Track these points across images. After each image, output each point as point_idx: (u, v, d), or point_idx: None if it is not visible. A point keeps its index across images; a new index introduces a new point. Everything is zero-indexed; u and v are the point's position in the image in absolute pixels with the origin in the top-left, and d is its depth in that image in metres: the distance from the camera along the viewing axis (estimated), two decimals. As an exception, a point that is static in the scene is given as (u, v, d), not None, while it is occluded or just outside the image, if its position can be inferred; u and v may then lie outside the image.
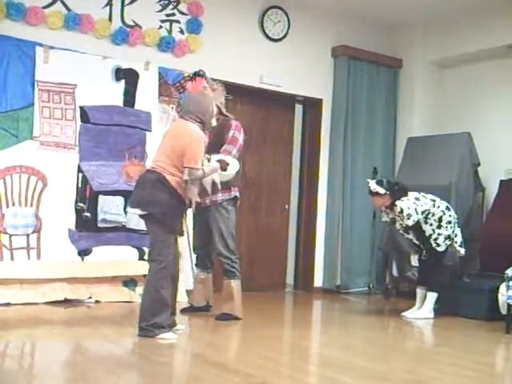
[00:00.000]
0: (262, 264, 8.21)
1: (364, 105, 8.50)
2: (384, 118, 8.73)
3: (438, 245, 6.51)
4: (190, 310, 6.11)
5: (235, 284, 5.85)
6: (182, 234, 5.61)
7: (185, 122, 5.07)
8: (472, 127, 7.92)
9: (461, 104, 8.43)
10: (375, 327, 6.21)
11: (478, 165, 7.77)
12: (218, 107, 5.68)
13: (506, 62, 7.93)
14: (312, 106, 8.50)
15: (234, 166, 5.52)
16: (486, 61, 8.14)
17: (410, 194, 6.50)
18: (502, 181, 7.45)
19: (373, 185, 6.47)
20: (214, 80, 5.54)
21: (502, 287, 6.07)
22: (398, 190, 6.45)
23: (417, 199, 6.48)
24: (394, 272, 7.75)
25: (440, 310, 6.77)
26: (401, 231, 6.64)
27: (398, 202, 6.40)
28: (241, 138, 5.94)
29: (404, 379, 4.23)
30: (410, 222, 6.40)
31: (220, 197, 5.81)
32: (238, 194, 5.94)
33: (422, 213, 6.43)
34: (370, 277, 8.39)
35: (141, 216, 5.03)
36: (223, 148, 5.81)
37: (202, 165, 4.99)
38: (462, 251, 6.65)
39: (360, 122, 8.44)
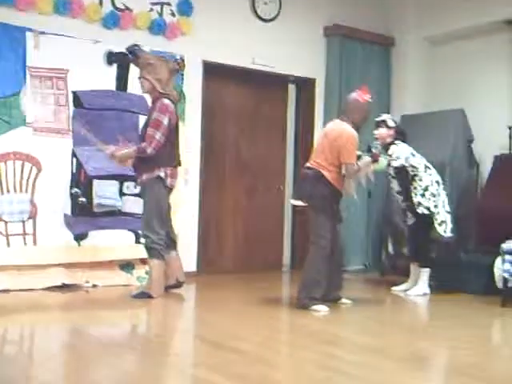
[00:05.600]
0: (259, 245, 8.23)
1: (357, 84, 8.34)
2: (377, 96, 8.67)
3: (419, 206, 6.54)
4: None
5: (154, 263, 5.86)
6: (341, 221, 5.91)
7: (341, 122, 5.74)
8: (465, 103, 7.91)
9: (454, 81, 8.42)
10: (372, 304, 6.24)
11: (472, 141, 7.79)
12: (151, 82, 5.89)
13: (500, 37, 7.90)
14: (305, 85, 8.49)
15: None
16: (480, 37, 8.11)
17: (408, 147, 6.62)
18: (495, 156, 7.45)
19: (385, 115, 6.77)
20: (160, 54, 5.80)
21: (498, 261, 6.11)
22: (400, 132, 6.68)
23: (412, 154, 6.56)
24: (390, 249, 7.79)
25: (437, 286, 6.82)
26: (389, 177, 6.75)
27: (392, 146, 6.54)
28: (166, 119, 5.82)
29: (401, 353, 4.26)
30: (395, 163, 6.49)
31: (144, 176, 5.85)
32: (162, 173, 5.83)
33: (411, 166, 6.50)
34: (366, 255, 8.43)
35: (303, 206, 5.72)
36: (147, 133, 5.79)
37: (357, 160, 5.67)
38: (441, 230, 6.54)
39: (353, 101, 8.43)
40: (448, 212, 6.65)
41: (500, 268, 6.04)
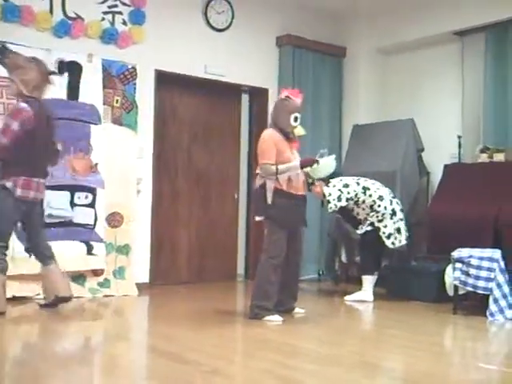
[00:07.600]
0: (213, 255, 8.21)
1: (310, 94, 8.54)
2: (330, 106, 8.80)
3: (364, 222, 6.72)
4: (45, 306, 5.79)
5: None
6: (305, 224, 5.88)
7: (265, 130, 5.80)
8: (416, 113, 8.05)
9: (405, 91, 8.56)
10: (326, 313, 6.26)
11: (422, 150, 7.91)
12: (17, 85, 5.50)
13: (450, 48, 8.07)
14: (258, 95, 8.51)
15: (327, 162, 5.75)
16: (430, 47, 8.27)
17: (338, 179, 6.63)
18: (445, 165, 7.57)
19: None
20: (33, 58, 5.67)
21: (449, 269, 6.18)
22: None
23: (345, 186, 6.59)
24: (343, 258, 7.85)
25: (390, 294, 6.90)
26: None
27: (324, 188, 6.51)
28: (15, 124, 5.37)
29: (355, 361, 4.28)
30: (329, 210, 6.59)
31: None
32: (8, 183, 5.38)
33: (348, 200, 6.56)
34: (319, 264, 8.48)
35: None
36: None
37: (277, 162, 5.52)
38: (388, 243, 6.67)
39: (306, 110, 8.40)
40: (401, 219, 6.74)
41: (451, 276, 6.11)
